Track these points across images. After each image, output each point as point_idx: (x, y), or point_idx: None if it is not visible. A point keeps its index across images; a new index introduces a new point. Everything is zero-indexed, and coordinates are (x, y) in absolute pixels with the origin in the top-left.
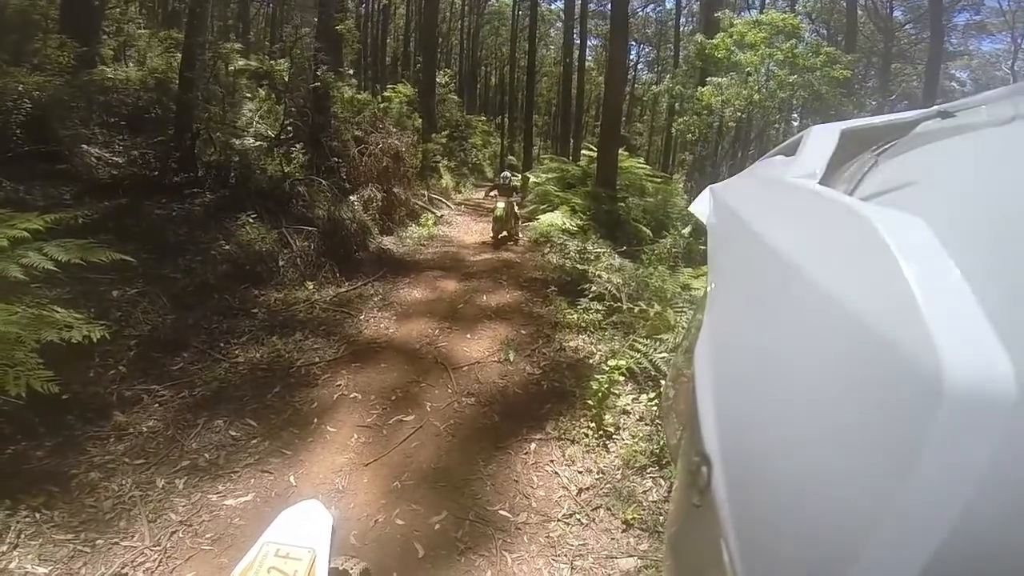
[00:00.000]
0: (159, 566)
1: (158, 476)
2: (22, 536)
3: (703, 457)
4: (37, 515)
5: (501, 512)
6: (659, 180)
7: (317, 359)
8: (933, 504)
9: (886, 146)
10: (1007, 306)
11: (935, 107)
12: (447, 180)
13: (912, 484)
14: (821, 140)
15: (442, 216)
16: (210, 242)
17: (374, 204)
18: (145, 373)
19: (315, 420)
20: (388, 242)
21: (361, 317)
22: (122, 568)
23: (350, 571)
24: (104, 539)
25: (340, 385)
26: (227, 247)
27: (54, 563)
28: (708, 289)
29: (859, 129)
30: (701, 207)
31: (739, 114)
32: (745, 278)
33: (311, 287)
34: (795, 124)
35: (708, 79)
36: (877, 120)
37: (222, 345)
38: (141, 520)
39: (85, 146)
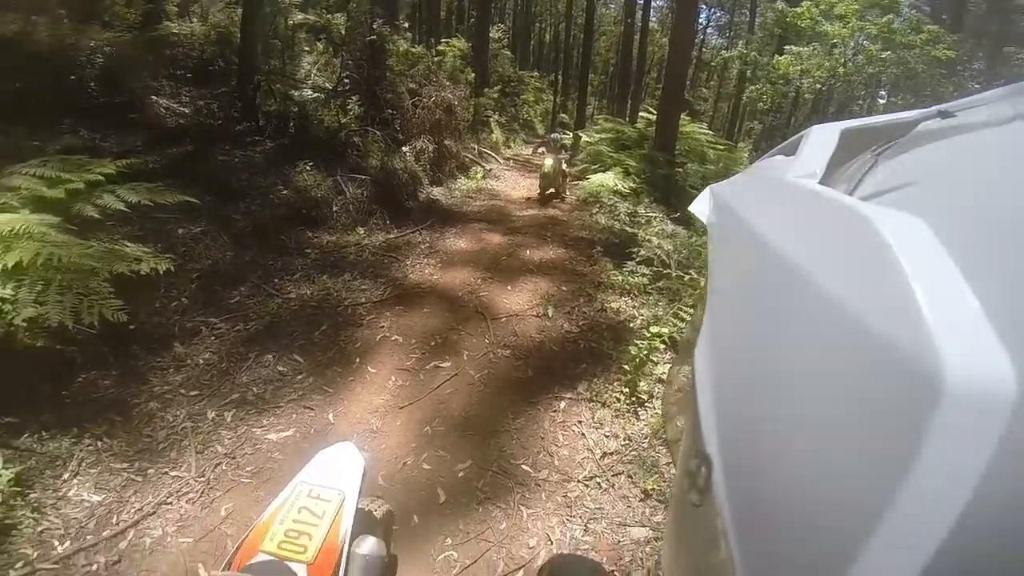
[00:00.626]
0: (201, 496)
1: (209, 408)
2: (83, 464)
3: (703, 457)
4: (99, 443)
5: (523, 467)
6: (722, 148)
7: (363, 300)
8: (933, 505)
9: (886, 146)
10: (1008, 306)
11: (935, 107)
12: (497, 135)
13: (912, 484)
14: (821, 140)
15: (491, 170)
16: (269, 187)
17: (425, 155)
18: (205, 306)
19: (357, 360)
20: (437, 193)
21: (407, 263)
22: (167, 497)
23: (374, 512)
24: (155, 469)
25: (383, 327)
26: (284, 192)
27: (108, 491)
28: (708, 289)
29: (859, 129)
30: (702, 207)
31: (818, 86)
32: (745, 278)
33: (362, 232)
34: (881, 101)
35: (787, 48)
36: (877, 120)
37: (276, 282)
38: (190, 451)
39: (154, 97)
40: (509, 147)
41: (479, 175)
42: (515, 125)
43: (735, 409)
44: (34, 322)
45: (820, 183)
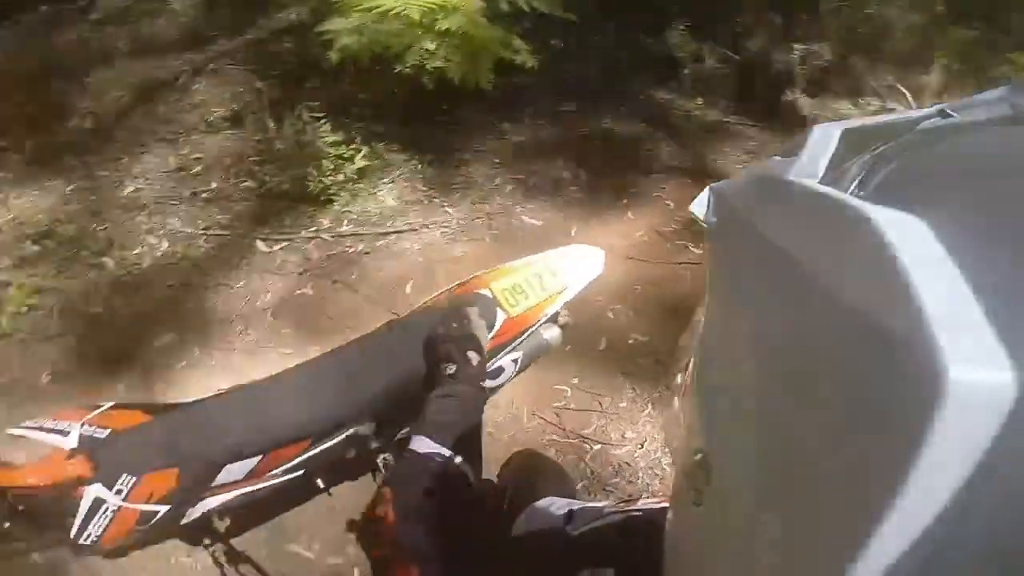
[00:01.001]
0: (452, 234)
1: (499, 177)
2: (400, 177)
3: (702, 456)
4: (418, 166)
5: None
6: None
7: (663, 158)
8: (932, 506)
9: (886, 146)
10: (1006, 307)
11: (935, 107)
12: (935, 80)
13: (912, 485)
14: (821, 140)
15: (894, 110)
16: (638, 34)
17: (815, 63)
18: (542, 104)
19: (624, 201)
20: (804, 103)
21: (725, 149)
22: (430, 225)
23: (559, 318)
24: (439, 200)
25: (664, 188)
26: (649, 40)
27: (401, 201)
28: (707, 288)
29: (859, 129)
30: (701, 207)
31: None
32: (744, 278)
33: (699, 102)
34: None
35: None
36: (878, 120)
37: (601, 109)
38: (467, 199)
39: None
40: (943, 97)
41: (871, 109)
42: (978, 76)
43: (734, 407)
44: (437, 70)
45: (820, 183)
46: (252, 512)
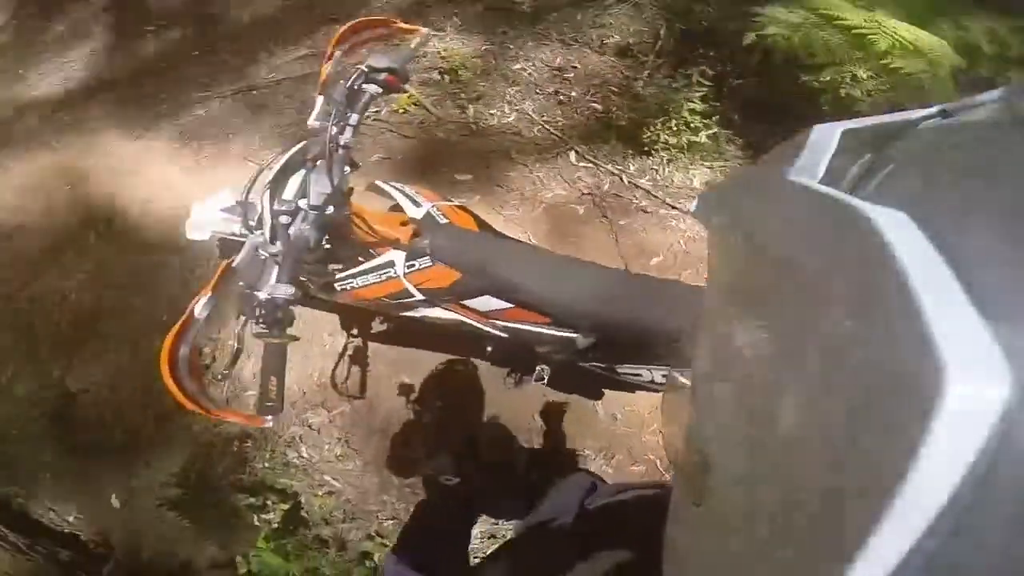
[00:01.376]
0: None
1: None
2: (721, 170)
3: (701, 456)
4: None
5: None
6: None
7: None
8: (930, 508)
9: (886, 146)
10: (1004, 309)
11: (936, 107)
12: None
13: (909, 488)
14: (821, 140)
15: None
16: None
17: None
18: None
19: None
20: None
21: None
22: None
23: None
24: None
25: None
26: None
27: (705, 189)
28: (707, 288)
29: (860, 129)
30: (702, 207)
31: None
32: (744, 278)
33: None
34: None
35: None
36: (878, 120)
37: None
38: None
39: None
40: None
41: None
42: None
43: (733, 408)
44: (849, 98)
45: (820, 183)
46: (413, 336)
